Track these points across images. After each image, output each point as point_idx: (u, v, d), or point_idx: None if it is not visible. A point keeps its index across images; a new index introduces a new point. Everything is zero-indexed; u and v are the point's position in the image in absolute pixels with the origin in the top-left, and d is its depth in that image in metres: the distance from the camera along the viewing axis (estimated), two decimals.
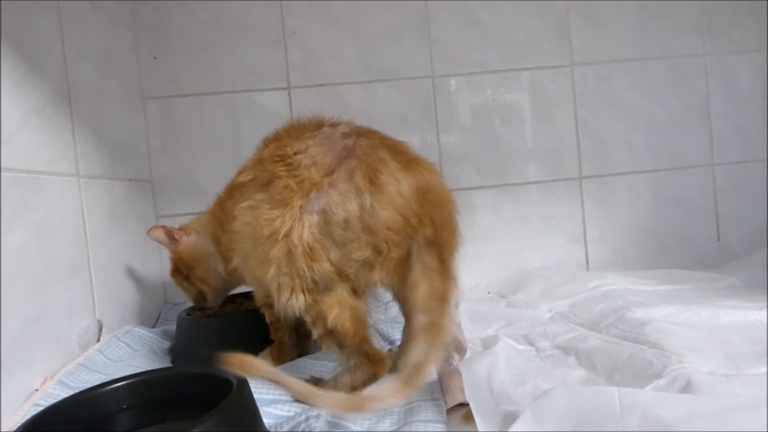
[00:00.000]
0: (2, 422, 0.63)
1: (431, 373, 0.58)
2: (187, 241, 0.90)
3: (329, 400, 0.57)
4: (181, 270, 0.90)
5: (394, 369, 0.76)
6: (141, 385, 0.60)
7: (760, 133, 1.33)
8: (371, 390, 0.56)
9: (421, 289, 0.61)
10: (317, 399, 0.56)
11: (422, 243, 0.62)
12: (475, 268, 1.27)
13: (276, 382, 0.57)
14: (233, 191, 0.78)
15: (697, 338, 0.73)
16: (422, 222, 0.62)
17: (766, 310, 0.80)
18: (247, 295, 0.96)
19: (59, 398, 0.61)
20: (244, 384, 0.56)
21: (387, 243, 0.62)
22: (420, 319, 0.60)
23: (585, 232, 1.31)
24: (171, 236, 0.90)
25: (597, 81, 1.29)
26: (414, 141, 1.25)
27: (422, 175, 0.66)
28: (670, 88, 1.31)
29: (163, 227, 0.90)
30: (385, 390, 0.56)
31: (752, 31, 1.32)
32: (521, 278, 1.21)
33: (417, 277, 0.61)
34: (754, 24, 1.32)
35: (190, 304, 0.99)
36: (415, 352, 0.58)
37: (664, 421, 0.47)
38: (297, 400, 0.67)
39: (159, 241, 0.91)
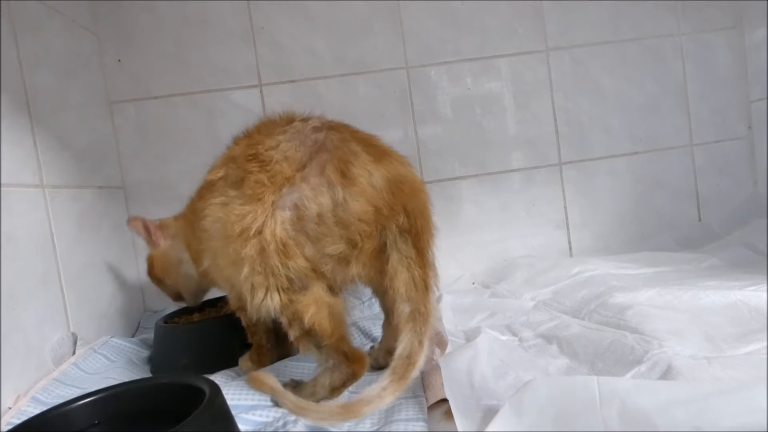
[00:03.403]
0: None
1: (421, 363, 0.57)
2: (162, 247, 0.90)
3: (324, 413, 0.55)
4: (155, 275, 0.91)
5: (375, 365, 0.76)
6: (111, 399, 0.58)
7: (738, 112, 1.33)
8: (365, 392, 0.55)
9: (401, 278, 0.60)
10: (311, 414, 0.55)
11: (396, 232, 0.62)
12: (459, 258, 1.26)
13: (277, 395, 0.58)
14: (202, 191, 0.76)
15: (678, 321, 0.73)
16: (394, 210, 0.62)
17: (747, 289, 0.80)
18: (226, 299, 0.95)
19: (32, 415, 0.59)
20: (216, 392, 0.54)
21: (360, 235, 0.61)
22: (403, 308, 0.59)
23: (567, 219, 1.30)
24: (149, 233, 0.89)
25: (572, 66, 1.28)
26: (392, 134, 1.24)
27: (394, 166, 0.65)
28: (646, 69, 1.30)
29: (143, 221, 0.90)
30: (379, 389, 0.55)
31: (727, 8, 1.31)
32: (505, 267, 1.21)
33: (395, 266, 0.61)
34: (729, 1, 1.31)
35: (169, 311, 0.98)
36: (404, 344, 0.57)
37: (644, 409, 0.47)
38: (277, 405, 0.66)
39: (138, 233, 0.91)
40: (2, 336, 0.70)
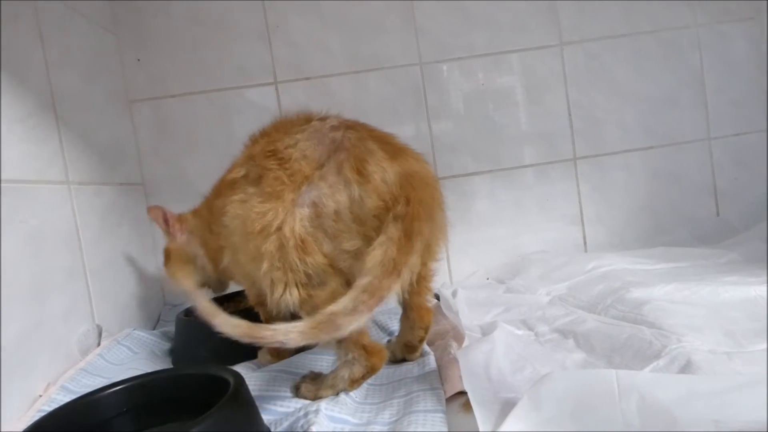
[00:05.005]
0: (8, 427, 0.64)
1: (344, 330, 0.53)
2: (179, 241, 0.90)
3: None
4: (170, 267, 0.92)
5: (392, 358, 0.77)
6: (138, 388, 0.60)
7: (757, 104, 1.31)
8: (279, 324, 0.53)
9: (372, 255, 0.57)
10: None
11: (391, 219, 0.60)
12: (473, 254, 1.26)
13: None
14: (222, 189, 0.77)
15: (697, 316, 0.73)
16: (396, 201, 0.62)
17: (766, 284, 0.80)
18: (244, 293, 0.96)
19: (62, 403, 0.62)
20: (241, 382, 0.56)
21: (375, 231, 0.62)
22: (359, 281, 0.56)
23: (582, 214, 1.30)
24: (167, 223, 0.90)
25: (587, 60, 1.27)
26: (406, 130, 1.24)
27: (409, 163, 0.66)
28: (662, 62, 1.28)
29: (163, 211, 0.90)
30: (291, 327, 0.53)
31: None
32: (519, 263, 1.21)
33: (375, 245, 0.58)
34: None
35: (189, 305, 0.99)
36: (339, 303, 0.54)
37: (663, 402, 0.47)
38: (297, 397, 0.67)
39: (156, 223, 0.92)
40: (33, 327, 0.72)
